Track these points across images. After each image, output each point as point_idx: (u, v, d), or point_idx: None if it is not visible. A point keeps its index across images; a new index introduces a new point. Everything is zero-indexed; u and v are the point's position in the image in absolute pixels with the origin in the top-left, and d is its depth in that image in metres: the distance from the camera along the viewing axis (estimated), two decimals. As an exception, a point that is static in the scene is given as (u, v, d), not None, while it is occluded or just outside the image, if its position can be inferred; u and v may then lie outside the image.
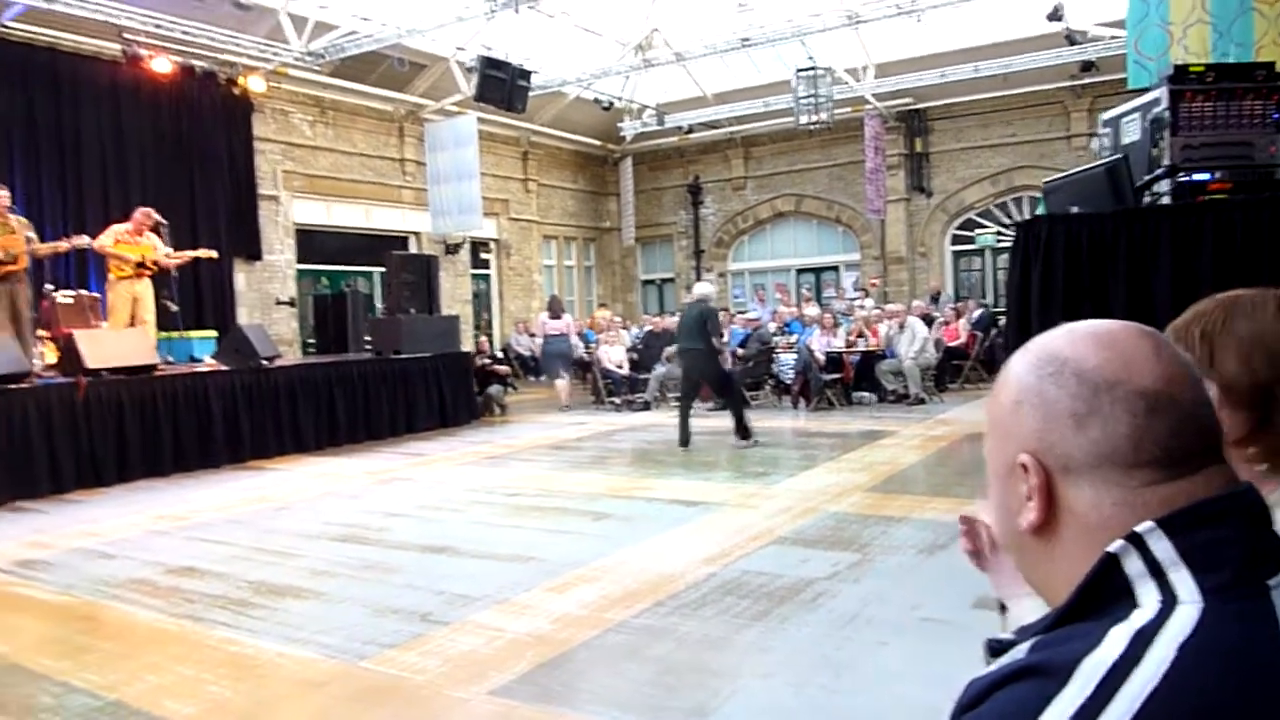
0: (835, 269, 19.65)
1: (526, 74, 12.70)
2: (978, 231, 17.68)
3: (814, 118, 15.25)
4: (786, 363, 12.01)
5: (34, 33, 11.19)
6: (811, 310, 13.46)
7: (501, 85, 12.21)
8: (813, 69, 15.14)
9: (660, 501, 6.48)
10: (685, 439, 8.74)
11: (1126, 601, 0.74)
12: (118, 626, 4.27)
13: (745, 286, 20.51)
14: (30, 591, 4.85)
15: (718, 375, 8.75)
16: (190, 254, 9.67)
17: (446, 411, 11.06)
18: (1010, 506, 0.84)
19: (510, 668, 3.53)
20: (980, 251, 17.79)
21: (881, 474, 7.04)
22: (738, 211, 20.26)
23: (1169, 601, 0.72)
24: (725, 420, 10.81)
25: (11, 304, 8.42)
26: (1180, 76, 3.79)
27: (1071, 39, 13.64)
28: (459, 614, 4.21)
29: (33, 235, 8.44)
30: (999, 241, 17.14)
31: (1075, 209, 2.74)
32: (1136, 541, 0.75)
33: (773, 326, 14.49)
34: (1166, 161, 3.50)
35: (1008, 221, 16.77)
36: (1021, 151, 16.81)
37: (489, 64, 12.08)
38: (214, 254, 10.24)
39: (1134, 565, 0.74)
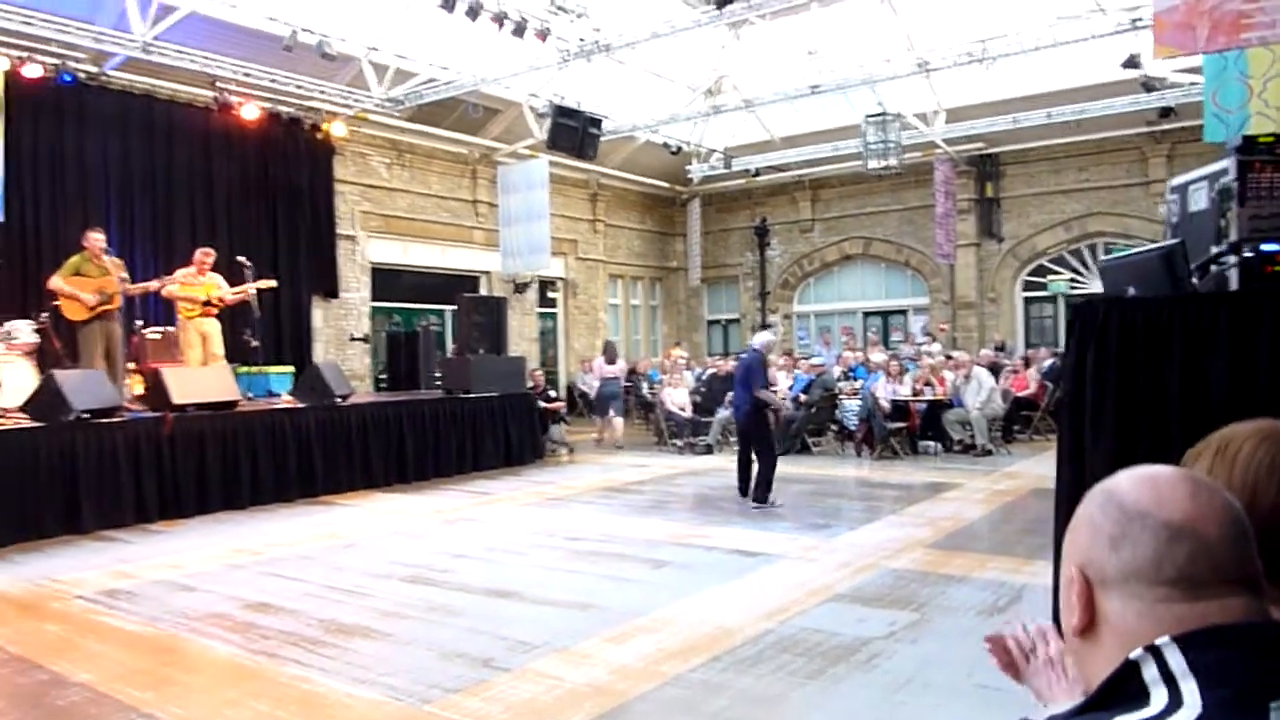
0: (903, 313, 19.54)
1: (597, 121, 13.02)
2: (1050, 278, 17.43)
3: (883, 163, 15.31)
4: (850, 409, 11.98)
5: (132, 80, 11.87)
6: (877, 356, 13.41)
7: (573, 133, 12.54)
8: (882, 114, 15.22)
9: (720, 551, 6.55)
10: (742, 488, 8.53)
11: (1141, 700, 0.87)
12: (198, 660, 4.49)
13: (810, 329, 20.50)
14: (116, 621, 5.12)
15: (757, 430, 8.35)
16: (250, 287, 10.00)
17: (512, 451, 11.29)
18: (1064, 611, 0.99)
19: (568, 718, 3.64)
20: (1053, 298, 17.53)
21: (944, 529, 7.00)
22: (804, 254, 20.31)
23: (1175, 703, 0.85)
24: (787, 466, 10.88)
25: (107, 341, 8.91)
26: (1248, 147, 3.80)
27: (1149, 86, 13.49)
28: (520, 661, 4.34)
29: (125, 275, 8.92)
30: (1072, 289, 16.89)
31: (1132, 290, 2.79)
32: (1155, 652, 0.88)
33: (837, 371, 14.49)
34: (1234, 233, 3.51)
35: (1080, 270, 16.53)
36: (1097, 198, 16.58)
37: (561, 112, 12.44)
38: (273, 283, 10.56)
39: (1150, 672, 0.88)
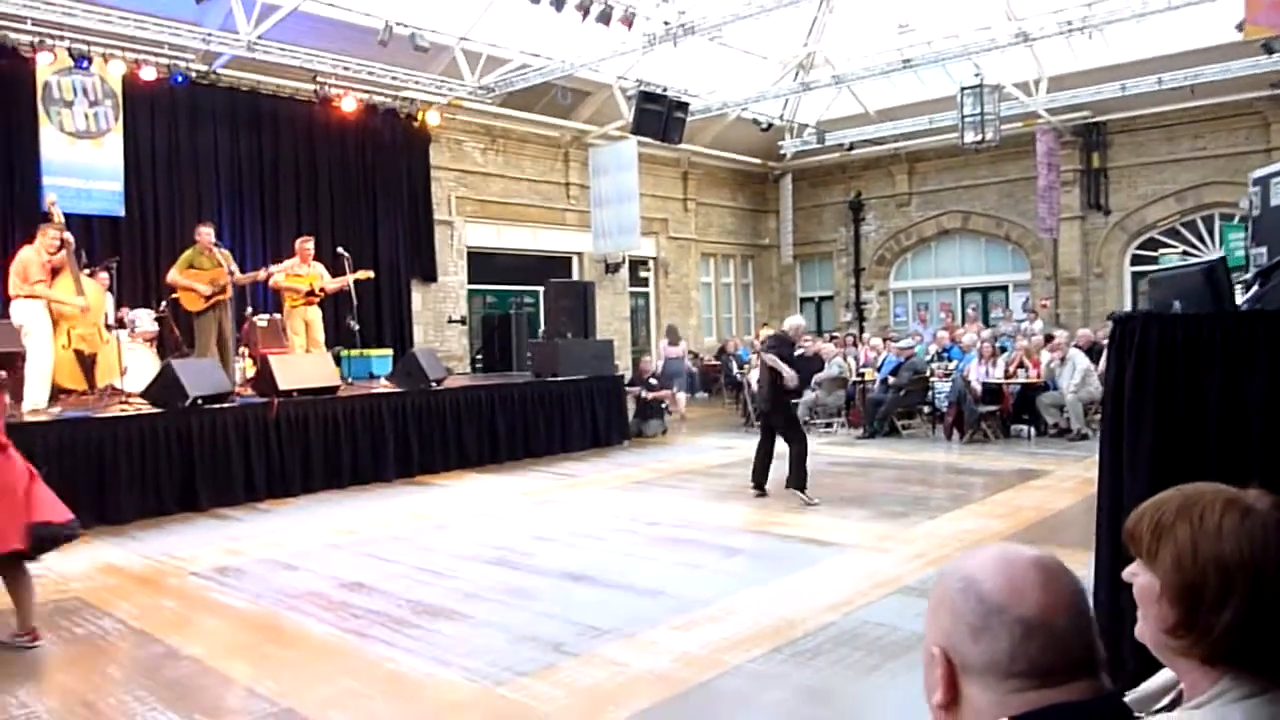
0: (1004, 289, 19.02)
1: (683, 105, 13.08)
2: (1162, 252, 16.65)
3: (980, 136, 14.91)
4: (943, 390, 11.83)
5: (239, 77, 12.51)
6: (969, 337, 13.14)
7: (658, 117, 12.64)
8: (979, 85, 14.80)
9: (794, 540, 6.64)
10: (759, 479, 8.19)
11: None
12: (295, 637, 4.86)
13: (908, 306, 20.15)
14: (224, 598, 5.56)
15: (782, 414, 8.10)
16: (350, 277, 10.48)
17: (599, 432, 11.56)
18: (928, 683, 1.11)
19: (629, 704, 3.84)
20: (1164, 270, 16.77)
21: (1026, 520, 6.93)
22: (901, 228, 19.94)
23: None
24: (874, 450, 10.86)
25: (219, 329, 9.52)
26: None
27: (1269, 48, 12.74)
28: (589, 646, 4.56)
29: (234, 267, 9.49)
30: (1186, 262, 16.14)
31: (1178, 304, 2.77)
32: None
33: (934, 349, 14.26)
34: None
35: (1195, 244, 15.79)
36: (1213, 166, 15.77)
37: (646, 97, 12.54)
38: (370, 274, 11.06)
39: None
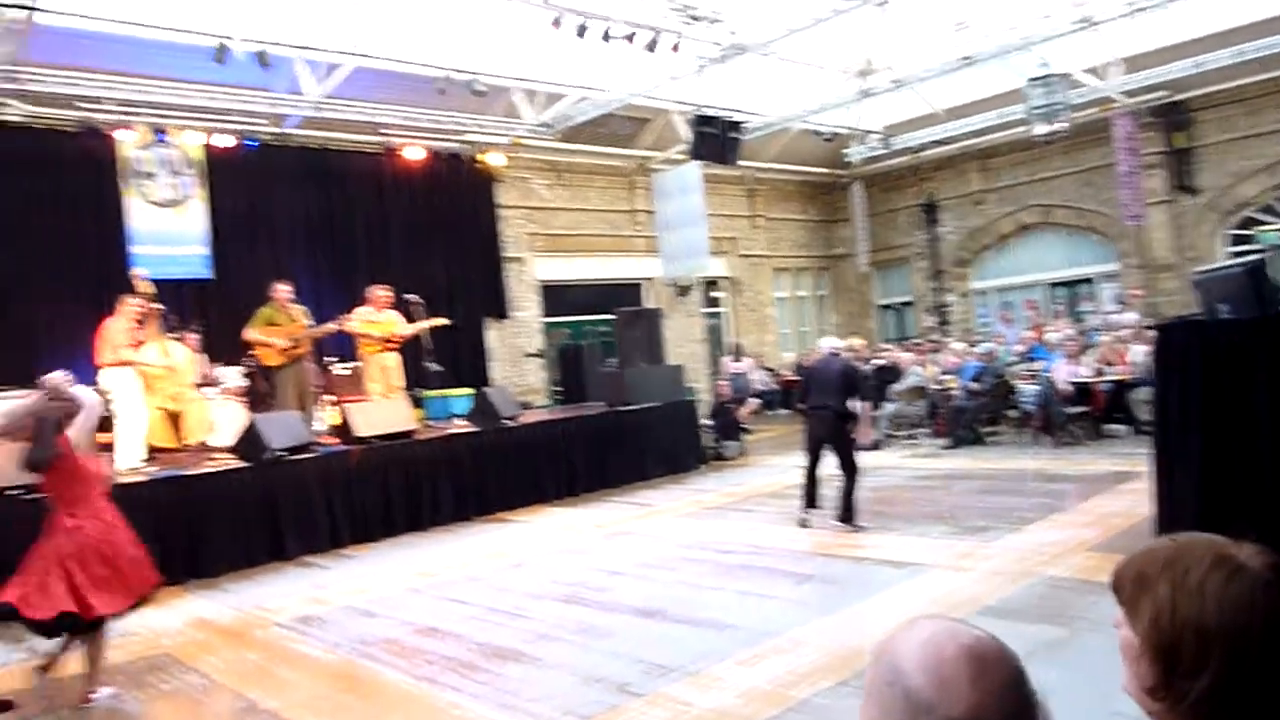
0: (1090, 281, 18.30)
1: (737, 125, 13.04)
2: (1259, 229, 15.84)
3: (1050, 127, 14.45)
4: (1028, 393, 11.42)
5: (308, 136, 12.97)
6: (1053, 335, 12.67)
7: (715, 140, 12.64)
8: (1046, 76, 14.35)
9: (869, 562, 6.48)
10: (811, 499, 7.84)
11: None
12: (370, 686, 4.95)
13: (991, 306, 19.55)
14: (304, 648, 5.70)
15: (844, 440, 7.64)
16: (425, 324, 10.69)
17: (675, 458, 11.50)
18: None
19: (689, 747, 3.77)
20: (1264, 251, 15.91)
21: (1114, 528, 6.61)
22: (978, 227, 19.41)
23: None
24: (959, 461, 10.54)
25: (299, 381, 9.83)
26: None
27: (1355, 8, 12.03)
28: (654, 685, 4.51)
29: (310, 321, 9.80)
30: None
31: (1224, 308, 2.59)
32: None
33: (1020, 349, 13.81)
34: None
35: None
36: (1306, 136, 14.92)
37: (701, 121, 12.55)
38: (446, 321, 11.27)
39: None
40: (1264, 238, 15.79)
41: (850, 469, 7.60)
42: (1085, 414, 10.81)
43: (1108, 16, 12.56)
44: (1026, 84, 14.38)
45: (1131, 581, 1.22)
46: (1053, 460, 10.02)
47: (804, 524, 7.75)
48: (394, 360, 10.83)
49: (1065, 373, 11.04)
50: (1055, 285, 18.70)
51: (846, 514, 7.54)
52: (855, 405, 7.55)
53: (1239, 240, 16.19)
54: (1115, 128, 16.14)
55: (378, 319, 10.72)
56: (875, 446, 11.85)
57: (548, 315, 16.34)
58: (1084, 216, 17.84)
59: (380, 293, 10.83)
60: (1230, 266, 2.84)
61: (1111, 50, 14.73)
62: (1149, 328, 10.52)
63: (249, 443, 8.49)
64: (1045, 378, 11.10)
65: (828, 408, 7.60)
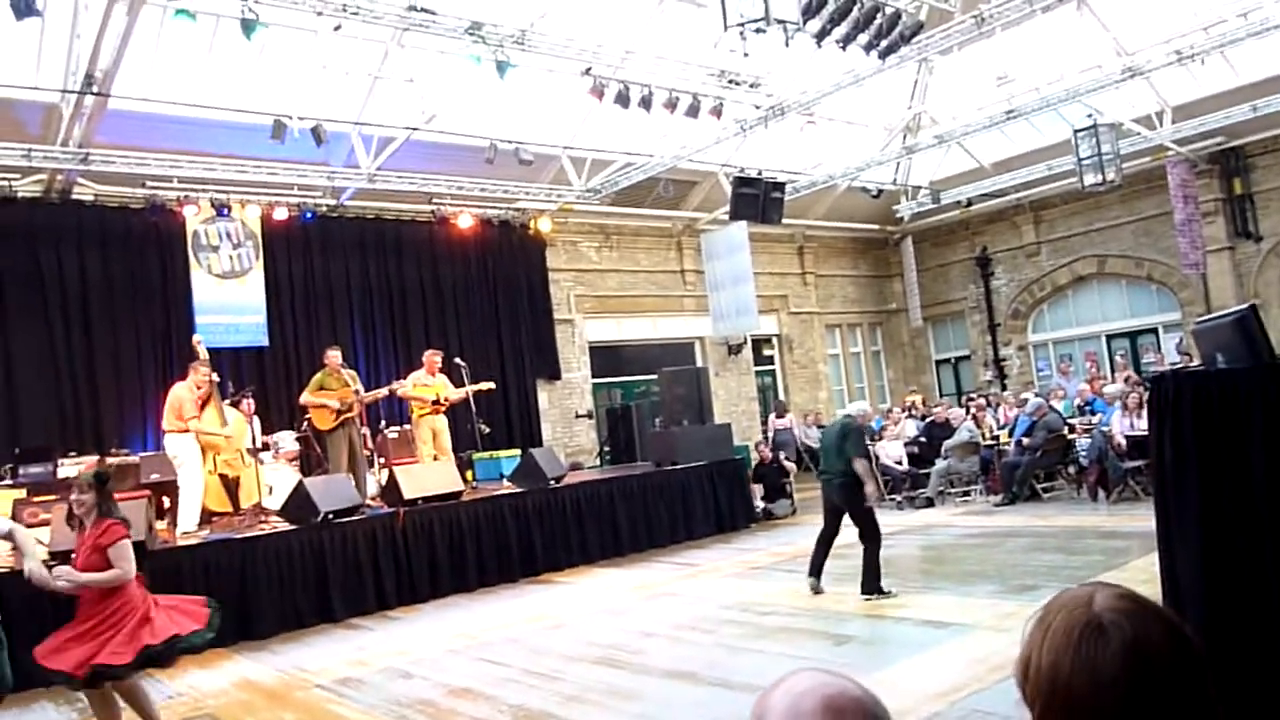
0: (1153, 331, 17.83)
1: (779, 185, 13.14)
2: (1326, 275, 15.33)
3: (1101, 177, 14.26)
4: (1084, 448, 11.11)
5: (363, 206, 13.42)
6: (1111, 388, 12.34)
7: (754, 200, 12.73)
8: (1093, 126, 14.22)
9: (910, 622, 6.32)
10: (816, 570, 7.48)
11: None
12: (398, 749, 4.95)
13: (1050, 358, 19.15)
14: (340, 709, 5.73)
15: (857, 506, 7.23)
16: (473, 388, 10.86)
17: (723, 518, 11.41)
18: None
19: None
20: (1332, 298, 15.38)
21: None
22: (1033, 279, 19.11)
23: None
24: (1011, 518, 10.27)
25: (350, 445, 10.02)
26: None
27: None
28: (679, 749, 4.44)
29: (359, 387, 10.03)
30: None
31: (1220, 357, 2.53)
32: None
33: (1078, 402, 13.48)
34: None
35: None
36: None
37: (741, 183, 12.67)
38: (492, 386, 11.43)
39: None
40: (1333, 283, 15.27)
41: (867, 535, 7.21)
42: (1143, 468, 10.45)
43: (1155, 65, 12.43)
44: (1074, 135, 14.26)
45: (1034, 627, 1.23)
46: (1109, 517, 9.69)
47: (815, 590, 7.46)
48: (443, 423, 11.00)
49: (1122, 426, 10.72)
50: (1115, 336, 18.27)
51: (868, 584, 7.13)
52: (858, 466, 7.19)
53: (1306, 286, 15.69)
54: (1170, 175, 15.87)
55: (429, 382, 10.93)
56: (929, 504, 11.64)
57: (598, 376, 16.46)
58: (1142, 266, 17.47)
59: (433, 357, 11.07)
60: (1223, 316, 2.78)
61: (1162, 98, 14.56)
62: (1141, 382, 10.23)
63: (298, 505, 8.66)
64: (1101, 431, 10.78)
65: (832, 472, 7.37)
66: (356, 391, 9.91)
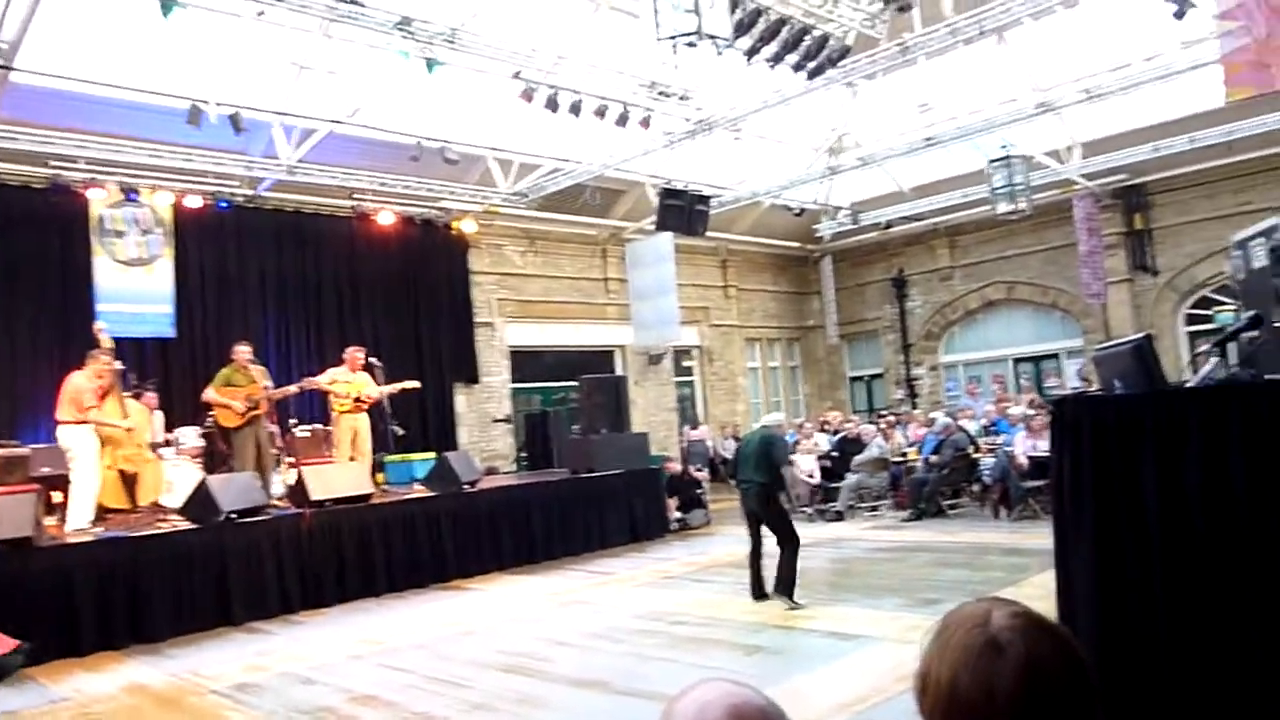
0: (1056, 356, 18.54)
1: (705, 199, 13.26)
2: (1216, 309, 16.14)
3: (1012, 206, 14.78)
4: (988, 467, 11.47)
5: (281, 199, 13.06)
6: (1016, 410, 12.78)
7: (681, 212, 12.83)
8: (1006, 158, 14.74)
9: (818, 633, 6.42)
10: (757, 589, 7.54)
11: None
12: (296, 757, 4.80)
13: (959, 379, 19.74)
14: (236, 715, 5.54)
15: (775, 513, 7.47)
16: (396, 387, 10.72)
17: (638, 527, 11.42)
18: None
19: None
20: (1220, 331, 16.18)
21: (1064, 603, 6.58)
22: (946, 302, 19.69)
23: None
24: (918, 533, 10.53)
25: (257, 443, 9.72)
26: None
27: (1301, 100, 12.46)
28: (586, 758, 4.41)
29: (269, 383, 9.75)
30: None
31: (1118, 384, 2.64)
32: None
33: (983, 423, 13.90)
34: None
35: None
36: (1259, 220, 15.25)
37: (668, 194, 12.76)
38: (417, 385, 11.29)
39: None
40: (1220, 318, 16.08)
41: (784, 539, 7.38)
42: (1043, 487, 10.83)
43: (1066, 102, 12.94)
44: (988, 165, 14.75)
45: (934, 634, 1.25)
46: (1011, 534, 10.01)
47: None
48: (364, 422, 10.77)
49: (1025, 446, 11.10)
50: (1021, 360, 18.93)
51: (782, 587, 7.26)
52: (787, 474, 7.48)
53: (1195, 320, 16.50)
54: (1076, 208, 16.53)
55: (349, 379, 10.69)
56: (839, 517, 11.86)
57: (517, 381, 16.34)
58: (1048, 294, 18.15)
59: (355, 354, 10.83)
60: (1122, 344, 2.91)
61: (1072, 134, 15.16)
62: (1045, 405, 10.69)
63: (200, 504, 8.36)
64: (1005, 451, 11.15)
65: (751, 481, 7.51)
66: (265, 388, 9.63)
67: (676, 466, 13.06)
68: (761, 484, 7.41)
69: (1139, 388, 2.50)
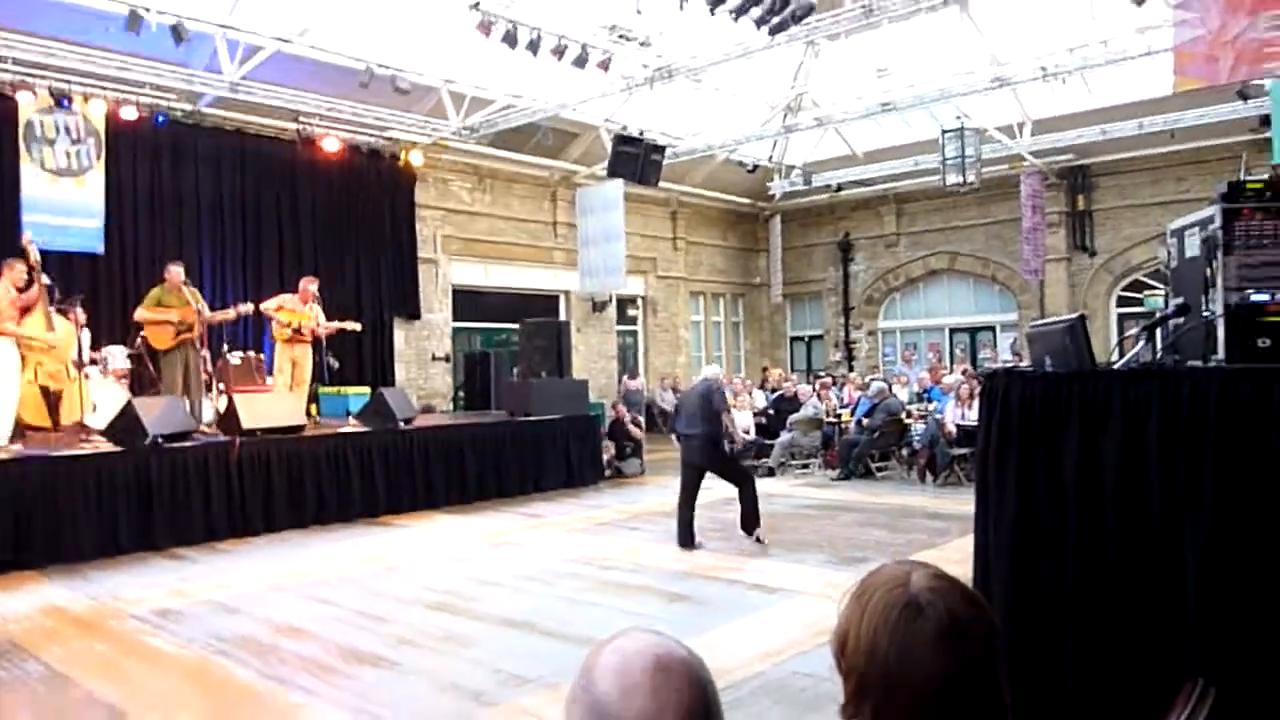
0: (991, 329, 18.99)
1: (660, 148, 13.17)
2: (1146, 294, 16.65)
3: (962, 178, 14.97)
4: (919, 432, 11.76)
5: (222, 116, 12.63)
6: (949, 378, 13.08)
7: (634, 160, 12.74)
8: (960, 129, 14.90)
9: (743, 585, 6.56)
10: (688, 538, 7.77)
11: None
12: (217, 685, 4.79)
13: (896, 345, 20.11)
14: (157, 642, 5.49)
15: (721, 460, 7.80)
16: (338, 325, 10.62)
17: (573, 472, 11.50)
18: None
19: (531, 760, 3.76)
20: (1149, 314, 16.72)
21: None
22: (889, 269, 19.99)
23: None
24: (846, 493, 10.78)
25: (186, 367, 9.52)
26: (1234, 193, 3.74)
27: (1244, 94, 12.80)
28: (509, 695, 4.49)
29: (202, 305, 9.52)
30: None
31: (1048, 360, 2.74)
32: None
33: (916, 389, 14.21)
34: (1220, 281, 3.44)
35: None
36: (1196, 209, 15.71)
37: (622, 140, 12.63)
38: (359, 327, 11.21)
39: None
40: (1149, 302, 16.59)
41: (739, 480, 7.77)
42: (968, 455, 11.16)
43: (1022, 78, 13.09)
44: (941, 134, 14.89)
45: (852, 599, 1.29)
46: (935, 499, 10.31)
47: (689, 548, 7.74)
48: (306, 354, 10.63)
49: (954, 415, 11.40)
50: (957, 330, 19.35)
51: (748, 523, 7.70)
52: (726, 419, 7.77)
53: (1126, 301, 17.01)
54: (1023, 185, 16.82)
55: (298, 310, 10.51)
56: (770, 473, 12.08)
57: (459, 320, 16.20)
58: (989, 267, 18.52)
59: (308, 285, 10.65)
60: (1056, 323, 3.01)
61: (1025, 110, 15.38)
62: (977, 377, 11.03)
63: (125, 427, 8.19)
64: (935, 419, 11.44)
65: (695, 435, 7.72)
66: (199, 311, 9.40)
67: (624, 410, 13.12)
68: (705, 435, 7.62)
69: (1069, 366, 2.59)
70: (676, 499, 7.97)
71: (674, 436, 8.23)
